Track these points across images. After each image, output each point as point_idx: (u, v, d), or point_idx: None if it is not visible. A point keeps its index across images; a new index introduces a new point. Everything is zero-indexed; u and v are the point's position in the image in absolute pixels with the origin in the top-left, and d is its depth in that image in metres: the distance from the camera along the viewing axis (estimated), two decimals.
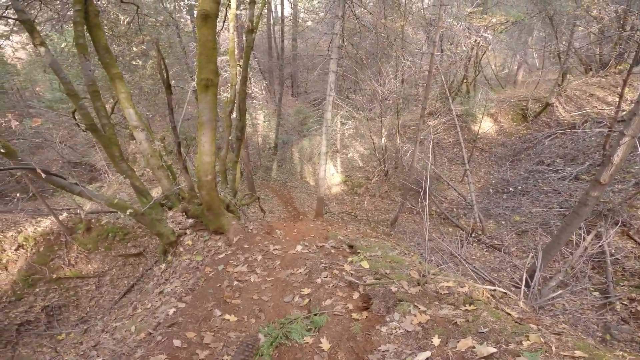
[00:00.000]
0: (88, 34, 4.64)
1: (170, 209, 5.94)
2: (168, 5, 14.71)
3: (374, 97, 13.57)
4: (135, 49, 10.81)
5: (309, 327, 2.54)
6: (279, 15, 22.34)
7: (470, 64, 14.96)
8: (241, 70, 6.60)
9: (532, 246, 8.71)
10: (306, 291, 3.06)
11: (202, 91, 3.69)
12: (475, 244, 9.62)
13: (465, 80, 15.90)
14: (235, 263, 4.02)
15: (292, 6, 21.33)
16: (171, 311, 3.21)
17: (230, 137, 6.40)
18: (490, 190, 12.59)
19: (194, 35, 16.18)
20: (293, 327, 2.54)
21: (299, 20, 22.23)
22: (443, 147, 15.29)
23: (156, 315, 3.37)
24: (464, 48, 11.33)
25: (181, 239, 5.32)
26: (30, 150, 14.27)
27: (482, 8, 11.45)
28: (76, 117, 4.71)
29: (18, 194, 9.88)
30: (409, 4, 10.43)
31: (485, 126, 14.70)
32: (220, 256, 4.30)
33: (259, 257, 4.06)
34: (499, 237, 9.73)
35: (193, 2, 15.97)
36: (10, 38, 14.42)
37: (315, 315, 2.62)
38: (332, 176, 15.48)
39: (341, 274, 3.20)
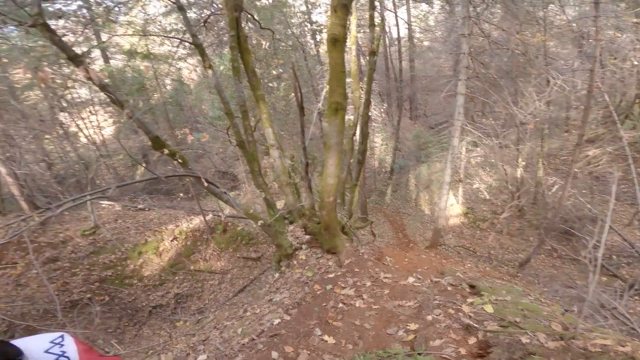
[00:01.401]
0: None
1: (291, 223, 6.48)
2: (295, 31, 15.96)
3: (510, 121, 11.98)
4: (274, 72, 12.41)
5: None
6: (394, 36, 22.10)
7: None
8: (364, 93, 6.77)
9: None
10: (413, 326, 2.81)
11: (332, 114, 3.84)
12: (636, 297, 7.74)
13: (638, 101, 12.49)
14: (343, 285, 4.04)
15: (407, 27, 20.92)
16: (276, 321, 3.38)
17: (351, 160, 6.61)
18: None
19: (318, 58, 17.20)
20: None
21: (415, 40, 21.52)
22: (605, 183, 12.20)
23: (262, 322, 3.59)
24: (635, 62, 8.99)
25: (296, 253, 5.65)
26: (194, 160, 17.65)
27: None
28: (229, 134, 5.63)
29: (181, 194, 12.48)
30: (548, 17, 8.95)
31: None
32: (330, 276, 4.39)
33: (368, 283, 3.99)
34: None
35: (315, 28, 17.46)
36: (187, 60, 18.29)
37: (420, 354, 2.35)
38: (451, 207, 14.20)
39: (457, 314, 2.83)
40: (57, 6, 8.33)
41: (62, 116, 14.00)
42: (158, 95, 14.37)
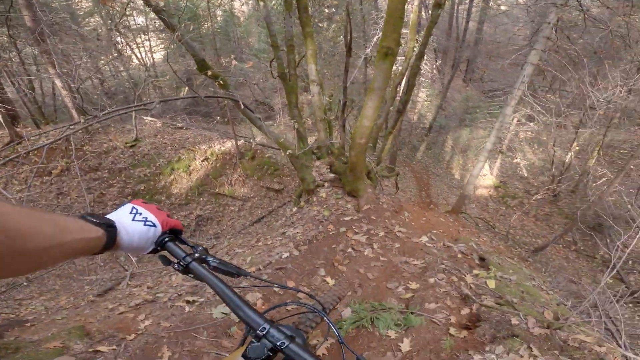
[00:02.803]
0: None
1: (318, 159, 6.58)
2: None
3: (578, 102, 10.75)
4: (327, 11, 11.67)
5: (399, 322, 2.42)
6: None
7: None
8: (419, 45, 6.31)
9: None
10: (414, 285, 2.92)
11: (381, 58, 3.70)
12: (631, 305, 7.72)
13: None
14: (356, 230, 4.13)
15: None
16: (285, 255, 3.49)
17: (390, 108, 6.39)
18: None
19: (375, 4, 16.24)
20: (383, 315, 2.45)
21: (490, 3, 19.34)
22: None
23: (271, 254, 3.65)
24: None
25: (318, 190, 5.78)
26: (235, 87, 17.97)
27: None
28: (272, 65, 5.60)
29: (218, 117, 12.74)
30: None
31: None
32: (346, 218, 4.47)
33: (381, 233, 4.07)
34: None
35: None
36: None
37: (412, 313, 2.47)
38: (483, 177, 13.73)
39: (459, 283, 2.93)
40: None
41: (118, 40, 14.50)
42: (209, 25, 14.34)
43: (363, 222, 4.35)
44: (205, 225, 9.70)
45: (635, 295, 7.46)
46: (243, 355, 0.69)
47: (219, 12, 18.34)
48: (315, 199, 5.63)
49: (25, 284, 6.94)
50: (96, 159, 9.57)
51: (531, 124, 11.80)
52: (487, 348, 2.07)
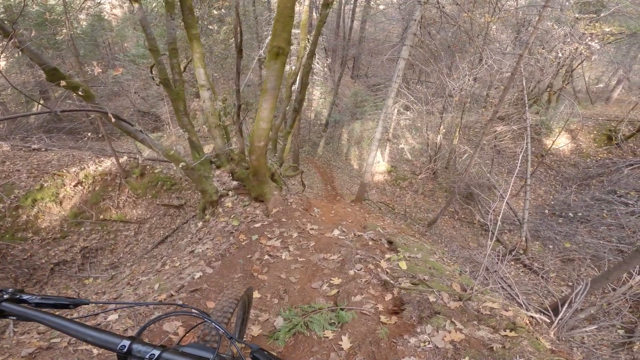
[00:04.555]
0: None
1: (218, 167, 6.16)
2: None
3: (440, 91, 12.75)
4: (215, 12, 11.12)
5: (332, 320, 2.42)
6: None
7: (561, 73, 13.39)
8: (310, 44, 6.49)
9: (575, 276, 8.35)
10: (336, 281, 2.95)
11: (272, 58, 3.63)
12: (512, 262, 9.34)
13: (549, 89, 14.35)
14: (270, 236, 4.01)
15: None
16: (197, 275, 3.19)
17: (287, 108, 6.39)
18: (546, 212, 11.73)
19: (268, 5, 16.31)
20: (316, 317, 2.43)
21: (371, 3, 21.56)
22: (504, 157, 14.16)
23: (182, 277, 3.39)
24: (560, 54, 10.14)
25: (222, 200, 5.44)
26: (109, 97, 15.68)
27: (594, 15, 10.13)
28: (153, 72, 4.97)
29: (89, 134, 10.82)
30: (500, 1, 9.52)
31: (560, 142, 13.28)
32: (257, 225, 4.31)
33: (295, 234, 4.03)
34: (541, 260, 9.38)
35: None
36: None
37: (342, 309, 2.50)
38: (377, 164, 15.12)
39: (376, 270, 3.08)
40: None
41: None
42: (67, 30, 12.06)
43: (275, 226, 4.26)
44: (96, 257, 8.34)
45: (513, 253, 9.26)
46: None
47: (81, 16, 15.82)
48: (221, 209, 5.29)
49: None
50: None
51: (408, 112, 13.52)
52: (418, 329, 2.19)
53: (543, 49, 10.29)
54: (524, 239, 9.47)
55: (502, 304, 2.40)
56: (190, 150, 5.93)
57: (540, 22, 7.70)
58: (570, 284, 8.32)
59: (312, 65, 14.09)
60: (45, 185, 8.44)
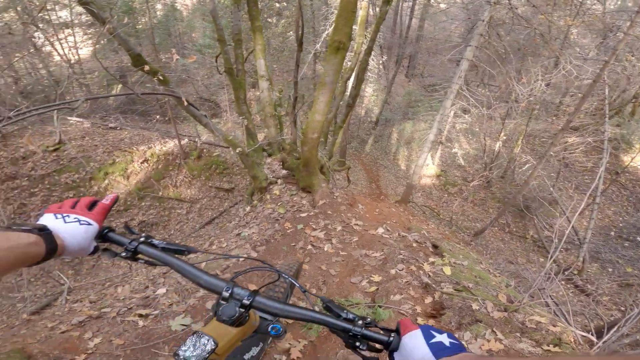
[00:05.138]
0: None
1: (269, 155, 6.40)
2: None
3: (505, 95, 11.92)
4: (277, 4, 11.49)
5: (367, 316, 2.42)
6: None
7: None
8: (368, 40, 6.44)
9: (630, 301, 7.84)
10: (376, 278, 2.93)
11: (332, 53, 3.66)
12: (563, 282, 8.74)
13: (634, 100, 12.74)
14: (314, 226, 4.06)
15: None
16: (242, 259, 3.27)
17: (340, 103, 6.43)
18: (612, 233, 10.72)
19: (324, 0, 16.43)
20: (352, 311, 2.45)
21: (431, 1, 20.76)
22: (572, 171, 12.89)
23: (227, 258, 3.48)
24: None
25: (270, 187, 5.62)
26: (176, 84, 16.98)
27: None
28: (218, 61, 5.31)
29: (158, 117, 11.82)
30: (585, 2, 8.63)
31: None
32: (302, 215, 4.38)
33: (339, 228, 4.05)
34: (596, 282, 8.81)
35: None
36: None
37: (380, 307, 2.47)
38: (426, 166, 14.62)
39: (418, 272, 3.02)
40: None
41: (37, 35, 12.91)
42: (146, 19, 13.27)
43: (320, 218, 4.29)
44: (151, 231, 9.01)
45: (566, 273, 8.58)
46: (217, 320, 0.74)
47: (158, 6, 17.22)
48: (268, 196, 5.45)
49: None
50: (13, 166, 8.34)
51: (466, 115, 12.83)
52: (455, 335, 2.13)
53: (632, 56, 9.16)
54: (581, 259, 8.74)
55: (550, 318, 2.25)
56: (244, 138, 6.24)
57: (632, 28, 6.89)
58: (622, 308, 7.79)
59: (368, 62, 13.97)
60: (117, 160, 9.41)
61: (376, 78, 18.03)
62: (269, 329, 0.80)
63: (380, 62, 17.95)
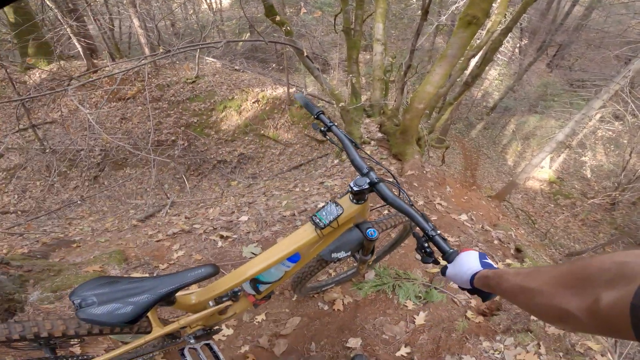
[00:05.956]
0: None
1: (369, 117, 6.47)
2: None
3: None
4: None
5: (420, 294, 2.41)
6: None
7: None
8: (509, 20, 5.66)
9: None
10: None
11: (462, 26, 3.44)
12: None
13: None
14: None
15: None
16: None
17: (457, 80, 6.01)
18: None
19: None
20: (406, 285, 2.45)
21: None
22: None
23: (307, 202, 3.63)
24: None
25: (363, 146, 5.61)
26: (295, 37, 17.82)
27: None
28: (336, 20, 5.41)
29: (274, 65, 12.80)
30: None
31: None
32: (388, 180, 4.42)
33: (420, 202, 4.00)
34: None
35: None
36: None
37: (436, 289, 2.45)
38: (540, 168, 12.82)
39: None
40: None
41: None
42: None
43: (404, 187, 4.28)
44: (246, 164, 10.07)
45: None
46: (351, 184, 1.10)
47: None
48: None
49: (79, 202, 7.46)
50: (159, 91, 10.23)
51: (616, 123, 10.59)
52: (497, 337, 2.12)
53: None
54: None
55: (603, 347, 2.04)
56: (347, 95, 6.37)
57: None
58: None
59: (503, 43, 12.30)
60: (235, 97, 10.72)
61: (507, 61, 15.82)
62: (367, 231, 1.13)
63: (518, 45, 15.56)
